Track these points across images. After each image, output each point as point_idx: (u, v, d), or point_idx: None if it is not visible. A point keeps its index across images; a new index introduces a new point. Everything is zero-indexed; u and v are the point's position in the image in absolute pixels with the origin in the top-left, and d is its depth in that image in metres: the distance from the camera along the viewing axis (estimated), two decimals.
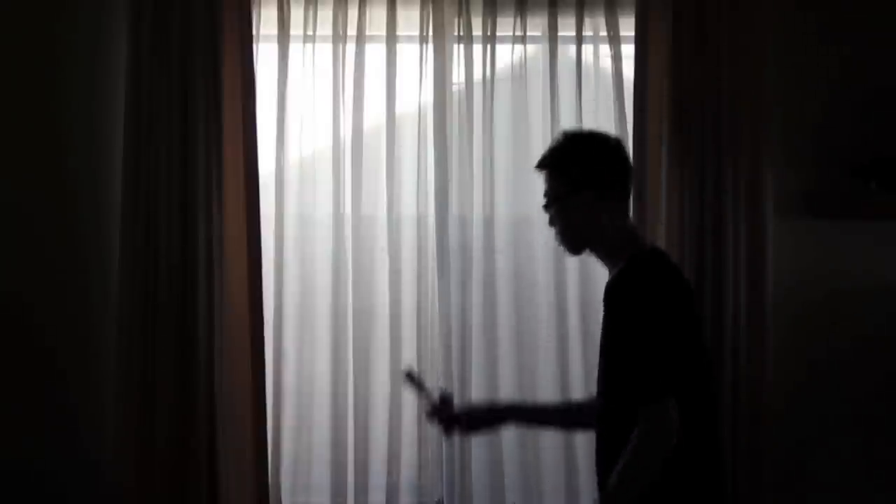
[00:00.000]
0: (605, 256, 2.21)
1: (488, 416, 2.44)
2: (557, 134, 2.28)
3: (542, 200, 2.25)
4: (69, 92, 2.93)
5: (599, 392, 2.19)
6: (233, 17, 2.84)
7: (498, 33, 2.93)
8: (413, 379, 2.43)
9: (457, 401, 2.84)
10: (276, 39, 2.93)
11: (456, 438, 2.86)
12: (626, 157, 2.25)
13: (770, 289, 2.81)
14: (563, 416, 2.50)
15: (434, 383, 2.91)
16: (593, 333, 2.89)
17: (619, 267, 2.14)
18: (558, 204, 2.19)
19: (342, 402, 2.90)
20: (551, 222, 2.24)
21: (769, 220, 2.82)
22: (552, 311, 2.92)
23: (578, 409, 2.47)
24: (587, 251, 2.24)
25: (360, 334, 2.91)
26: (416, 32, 2.92)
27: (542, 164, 2.23)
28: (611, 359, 2.13)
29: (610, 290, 2.13)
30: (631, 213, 2.32)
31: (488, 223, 2.93)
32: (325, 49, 2.94)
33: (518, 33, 2.94)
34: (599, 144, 2.22)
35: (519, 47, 2.94)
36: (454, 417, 2.38)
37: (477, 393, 2.91)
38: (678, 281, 2.14)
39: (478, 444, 2.90)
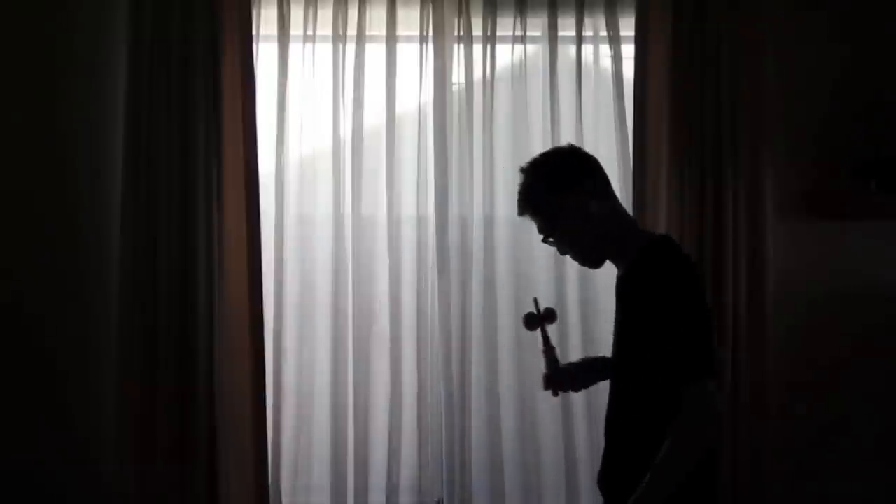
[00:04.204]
0: (617, 255, 2.14)
1: (584, 375, 2.33)
2: (518, 175, 2.21)
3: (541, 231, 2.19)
4: (69, 92, 2.93)
5: (613, 394, 2.11)
6: (233, 17, 2.85)
7: (498, 33, 2.93)
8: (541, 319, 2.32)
9: (457, 403, 2.88)
10: (276, 39, 2.93)
11: (456, 438, 2.89)
12: (583, 155, 2.18)
13: (770, 289, 2.81)
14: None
15: (434, 384, 2.92)
16: (593, 333, 2.91)
17: (631, 258, 2.07)
18: (555, 228, 2.15)
19: (342, 402, 2.90)
20: (561, 251, 2.19)
21: (769, 220, 2.82)
22: None
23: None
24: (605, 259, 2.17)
25: (360, 334, 2.91)
26: (416, 32, 2.93)
27: (521, 211, 2.19)
28: (628, 354, 2.05)
29: (624, 281, 2.08)
30: (621, 202, 2.27)
31: (488, 223, 2.93)
32: (325, 49, 2.94)
33: (518, 33, 2.94)
34: (553, 160, 2.18)
35: (519, 47, 2.95)
36: (562, 376, 2.30)
37: (477, 392, 2.91)
38: (691, 266, 2.06)
39: (478, 444, 2.91)
